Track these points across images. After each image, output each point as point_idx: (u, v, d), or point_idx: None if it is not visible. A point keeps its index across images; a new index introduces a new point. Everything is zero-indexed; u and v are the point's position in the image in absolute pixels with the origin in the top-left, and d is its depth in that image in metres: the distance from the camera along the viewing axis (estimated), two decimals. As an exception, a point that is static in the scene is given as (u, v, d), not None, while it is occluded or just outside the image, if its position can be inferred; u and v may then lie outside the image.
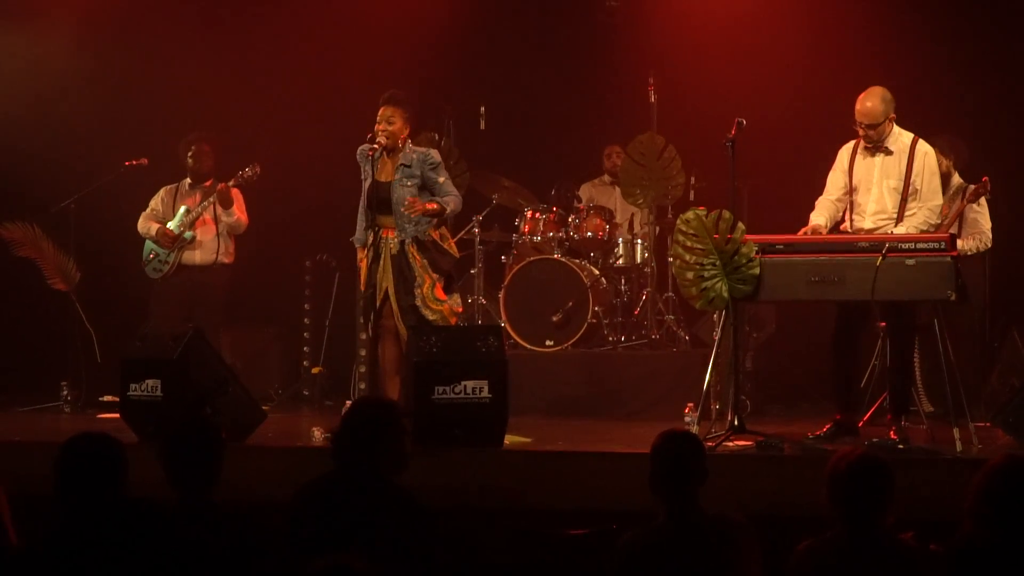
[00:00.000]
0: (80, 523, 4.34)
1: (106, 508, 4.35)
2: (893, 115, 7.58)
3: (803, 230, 7.61)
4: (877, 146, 7.60)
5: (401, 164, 7.92)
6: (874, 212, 7.63)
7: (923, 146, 7.62)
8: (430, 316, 7.86)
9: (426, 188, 7.99)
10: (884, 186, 7.60)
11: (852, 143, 7.76)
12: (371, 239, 7.84)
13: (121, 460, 4.45)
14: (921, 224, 7.51)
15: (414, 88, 8.49)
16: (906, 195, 7.57)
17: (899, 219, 7.55)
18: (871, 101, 7.54)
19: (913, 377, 7.78)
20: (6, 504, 5.01)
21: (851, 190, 7.70)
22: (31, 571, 4.28)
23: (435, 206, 7.91)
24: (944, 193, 8.04)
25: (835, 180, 7.79)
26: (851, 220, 7.72)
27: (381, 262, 7.88)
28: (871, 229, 7.59)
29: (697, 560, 4.41)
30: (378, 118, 7.93)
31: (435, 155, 8.07)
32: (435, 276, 7.94)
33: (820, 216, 7.71)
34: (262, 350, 11.04)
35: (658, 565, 4.43)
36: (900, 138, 7.62)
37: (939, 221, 7.73)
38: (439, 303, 7.92)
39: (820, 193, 7.83)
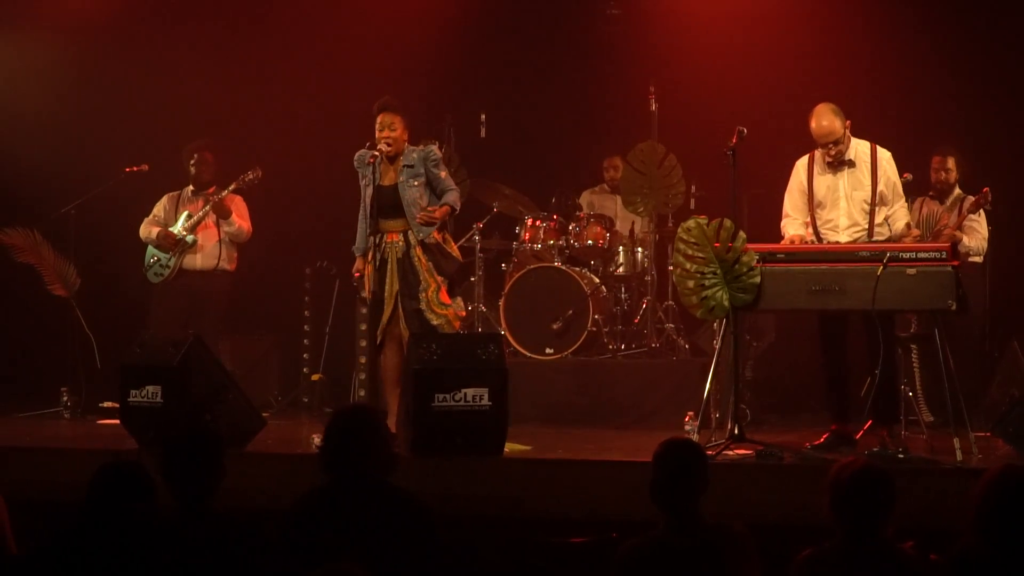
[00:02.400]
0: (81, 532, 4.34)
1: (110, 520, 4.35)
2: (848, 123, 7.59)
3: (785, 241, 7.62)
4: (839, 160, 7.61)
5: (405, 165, 7.87)
6: (848, 226, 7.63)
7: (883, 153, 7.65)
8: (434, 320, 7.79)
9: (429, 183, 7.94)
10: (854, 199, 7.61)
11: (806, 158, 7.78)
12: (374, 244, 7.78)
13: (150, 493, 4.46)
14: (904, 219, 7.59)
15: (415, 95, 8.49)
16: (874, 204, 7.59)
17: (870, 229, 7.57)
18: (827, 119, 7.56)
19: (900, 384, 7.76)
20: (6, 510, 5.01)
21: (814, 206, 7.69)
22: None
23: (445, 209, 7.88)
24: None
25: (796, 202, 7.78)
26: (818, 236, 7.68)
27: (388, 267, 7.84)
28: (848, 243, 7.57)
29: (697, 569, 4.40)
30: (378, 126, 7.87)
31: (436, 150, 8.01)
32: (440, 279, 7.87)
33: (797, 233, 7.70)
34: (262, 357, 11.03)
35: (658, 574, 4.43)
36: (859, 148, 7.64)
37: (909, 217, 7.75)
38: (444, 307, 7.84)
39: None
